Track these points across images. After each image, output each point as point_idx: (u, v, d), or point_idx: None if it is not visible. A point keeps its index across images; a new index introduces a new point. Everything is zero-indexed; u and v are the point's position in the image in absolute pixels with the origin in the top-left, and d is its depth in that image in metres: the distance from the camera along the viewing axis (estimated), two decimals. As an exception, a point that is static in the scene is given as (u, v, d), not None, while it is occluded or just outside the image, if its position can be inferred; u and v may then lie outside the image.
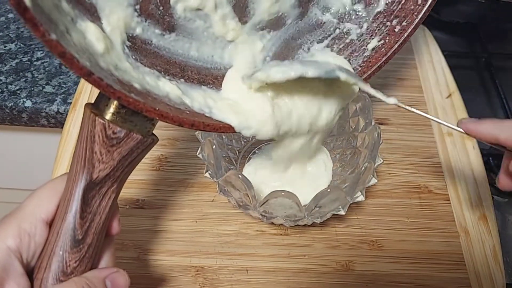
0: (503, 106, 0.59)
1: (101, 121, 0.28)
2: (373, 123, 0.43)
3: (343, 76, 0.35)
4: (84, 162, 0.29)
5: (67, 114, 0.54)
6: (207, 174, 0.41)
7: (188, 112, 0.33)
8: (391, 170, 0.50)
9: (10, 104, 0.57)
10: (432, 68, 0.60)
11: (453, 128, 0.34)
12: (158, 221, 0.45)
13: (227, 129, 0.34)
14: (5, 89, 0.58)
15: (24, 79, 0.59)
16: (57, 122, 0.58)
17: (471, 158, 0.51)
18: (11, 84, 0.58)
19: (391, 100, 0.35)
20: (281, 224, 0.44)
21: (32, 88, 0.58)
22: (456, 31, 0.71)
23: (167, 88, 0.33)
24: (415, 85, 0.58)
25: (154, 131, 0.32)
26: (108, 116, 0.29)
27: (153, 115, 0.29)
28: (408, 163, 0.51)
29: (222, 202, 0.46)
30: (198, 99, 0.35)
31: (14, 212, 0.29)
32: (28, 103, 0.56)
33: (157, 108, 0.29)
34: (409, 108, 0.35)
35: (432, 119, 0.36)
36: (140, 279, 0.41)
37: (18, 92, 0.58)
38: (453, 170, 0.50)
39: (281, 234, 0.44)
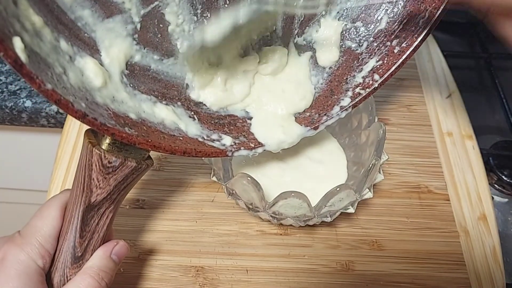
0: (503, 106, 0.59)
1: (98, 151, 0.30)
2: (376, 120, 0.43)
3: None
4: (83, 187, 0.31)
5: (67, 114, 0.54)
6: (214, 178, 0.41)
7: (181, 138, 0.34)
8: (391, 170, 0.50)
9: (10, 104, 0.57)
10: (432, 68, 0.60)
11: None
12: (158, 221, 0.45)
13: (218, 153, 0.36)
14: (5, 89, 0.58)
15: (24, 79, 0.59)
16: (57, 122, 0.58)
17: (471, 158, 0.51)
18: (11, 84, 0.58)
19: None
20: (281, 224, 0.44)
21: (32, 88, 0.58)
22: (456, 31, 0.71)
23: (163, 114, 0.34)
24: (415, 85, 0.58)
25: None
26: (104, 146, 0.30)
27: (145, 147, 0.31)
28: (408, 163, 0.51)
29: (222, 202, 0.46)
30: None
31: (32, 232, 0.31)
32: (28, 103, 0.57)
33: (149, 140, 0.31)
34: None
35: None
36: (140, 279, 0.41)
37: (18, 92, 0.58)
38: (453, 170, 0.50)
39: (281, 234, 0.44)
